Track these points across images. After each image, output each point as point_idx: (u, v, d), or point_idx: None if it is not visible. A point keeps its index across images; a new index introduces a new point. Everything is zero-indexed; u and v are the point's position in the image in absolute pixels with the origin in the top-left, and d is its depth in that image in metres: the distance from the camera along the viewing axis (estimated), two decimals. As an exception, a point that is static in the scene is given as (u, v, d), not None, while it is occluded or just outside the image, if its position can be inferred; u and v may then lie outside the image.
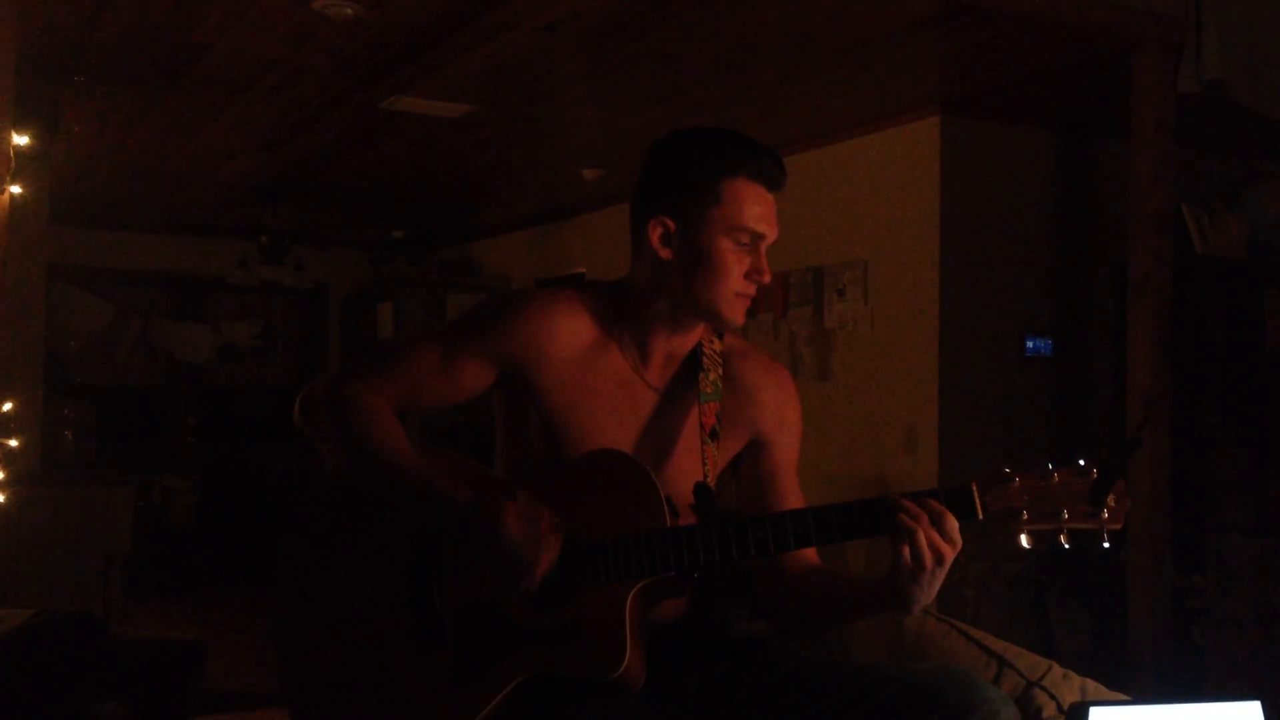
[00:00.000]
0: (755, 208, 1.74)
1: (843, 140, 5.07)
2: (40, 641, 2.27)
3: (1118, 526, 1.56)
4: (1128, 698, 1.94)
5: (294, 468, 7.59)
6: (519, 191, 6.63)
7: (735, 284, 1.75)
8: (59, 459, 6.07)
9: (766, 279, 1.77)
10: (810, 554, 1.83)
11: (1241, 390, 4.64)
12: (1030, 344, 4.84)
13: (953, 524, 1.55)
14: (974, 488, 1.57)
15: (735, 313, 1.77)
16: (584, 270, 6.89)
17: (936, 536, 1.54)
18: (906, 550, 1.54)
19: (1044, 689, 1.90)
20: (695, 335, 1.85)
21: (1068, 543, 1.56)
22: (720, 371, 1.85)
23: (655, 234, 1.77)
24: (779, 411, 1.88)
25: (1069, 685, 1.92)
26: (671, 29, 3.80)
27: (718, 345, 1.88)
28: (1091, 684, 1.95)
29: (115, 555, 5.37)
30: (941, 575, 1.58)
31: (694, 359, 1.85)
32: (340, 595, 1.77)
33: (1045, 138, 4.91)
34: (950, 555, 1.56)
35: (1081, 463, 1.57)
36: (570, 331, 1.78)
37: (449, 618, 1.68)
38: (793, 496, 1.86)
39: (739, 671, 1.76)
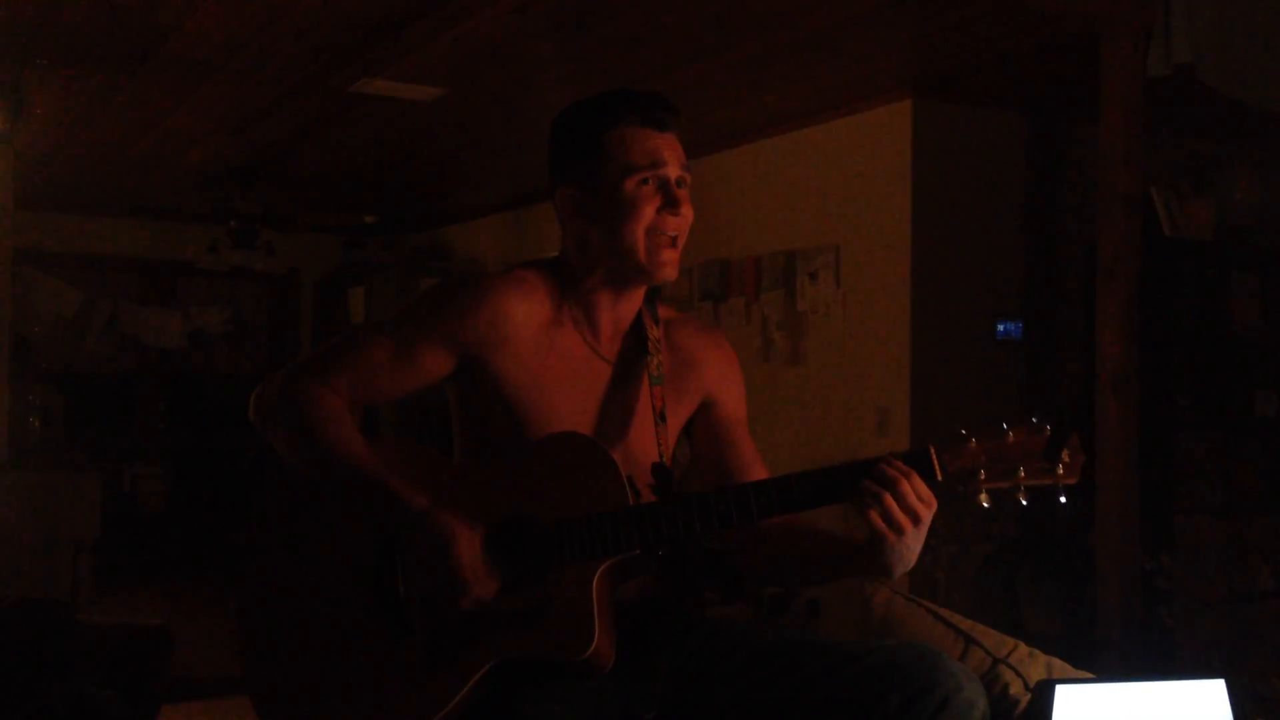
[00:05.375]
0: (642, 145, 1.74)
1: (814, 124, 5.07)
2: (5, 628, 2.25)
3: (1073, 481, 1.58)
4: (1093, 676, 1.95)
5: (265, 455, 7.55)
6: (490, 175, 6.60)
7: (648, 220, 1.74)
8: (25, 446, 6.02)
9: (684, 210, 1.75)
10: None
11: (1209, 372, 4.67)
12: (1001, 327, 4.85)
13: (920, 482, 1.56)
14: (932, 450, 1.58)
15: (659, 260, 1.75)
16: (556, 255, 6.86)
17: (910, 497, 1.54)
18: (877, 515, 1.54)
19: (1010, 666, 1.91)
20: (636, 304, 1.85)
21: (1025, 499, 1.58)
22: (661, 357, 1.84)
23: (565, 206, 1.80)
24: (719, 369, 1.91)
25: (1035, 663, 1.93)
26: (642, 12, 3.79)
27: (657, 331, 1.87)
28: (1058, 662, 1.97)
29: (83, 542, 5.34)
30: (921, 537, 1.58)
31: (639, 330, 1.84)
32: (305, 586, 1.75)
33: (1017, 121, 4.92)
34: (926, 514, 1.56)
35: (1035, 420, 1.59)
36: (528, 312, 1.77)
37: (415, 605, 1.66)
38: (745, 448, 1.88)
39: (707, 650, 1.76)
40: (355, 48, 4.18)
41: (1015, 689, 1.87)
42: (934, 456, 1.57)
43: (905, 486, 1.54)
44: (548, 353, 1.77)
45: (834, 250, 4.97)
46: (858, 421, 4.86)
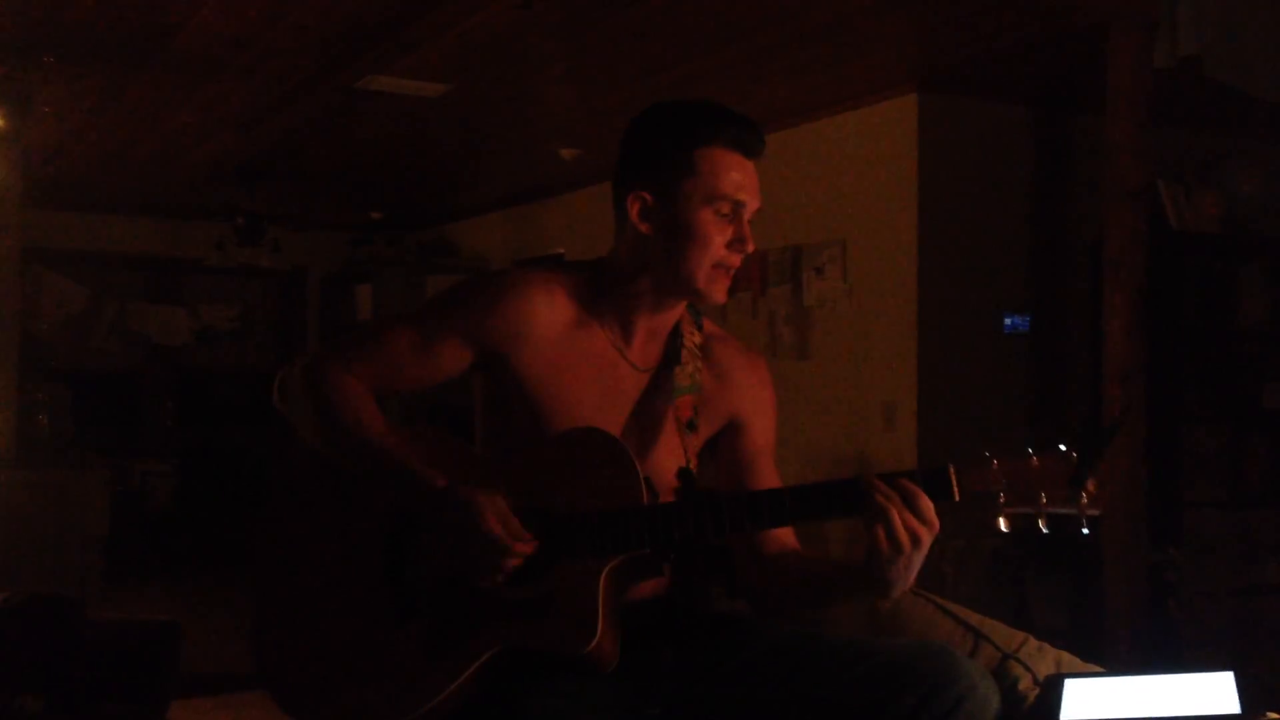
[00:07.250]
0: (733, 175, 1.72)
1: (820, 118, 5.06)
2: (14, 624, 2.26)
3: (1097, 512, 1.54)
4: (1102, 669, 1.95)
5: (273, 451, 7.56)
6: (497, 172, 6.60)
7: (717, 254, 1.73)
8: (33, 443, 6.04)
9: (750, 248, 1.74)
10: (788, 538, 1.83)
11: (1216, 365, 4.67)
12: (1008, 321, 4.85)
13: (928, 505, 1.53)
14: (951, 470, 1.55)
15: (715, 288, 1.75)
16: (563, 251, 6.87)
17: (911, 518, 1.52)
18: (881, 532, 1.52)
19: (1019, 661, 1.91)
20: (676, 313, 1.84)
21: (1046, 527, 1.54)
22: (698, 364, 1.83)
23: (634, 209, 1.75)
24: (755, 394, 1.88)
25: (1044, 657, 1.93)
26: (648, 6, 3.78)
27: (698, 337, 1.86)
28: (1066, 656, 1.97)
29: (92, 539, 5.36)
30: (919, 559, 1.55)
31: (675, 339, 1.84)
32: (317, 571, 1.76)
33: (1023, 115, 4.91)
34: (927, 538, 1.53)
35: (1063, 447, 1.54)
36: (550, 311, 1.76)
37: (423, 591, 1.67)
38: (767, 478, 1.85)
39: (715, 648, 1.76)
40: (360, 44, 4.18)
41: (1024, 683, 1.87)
42: (953, 477, 1.55)
43: (915, 505, 1.52)
44: (570, 353, 1.77)
45: (840, 245, 4.96)
46: (865, 416, 4.85)
